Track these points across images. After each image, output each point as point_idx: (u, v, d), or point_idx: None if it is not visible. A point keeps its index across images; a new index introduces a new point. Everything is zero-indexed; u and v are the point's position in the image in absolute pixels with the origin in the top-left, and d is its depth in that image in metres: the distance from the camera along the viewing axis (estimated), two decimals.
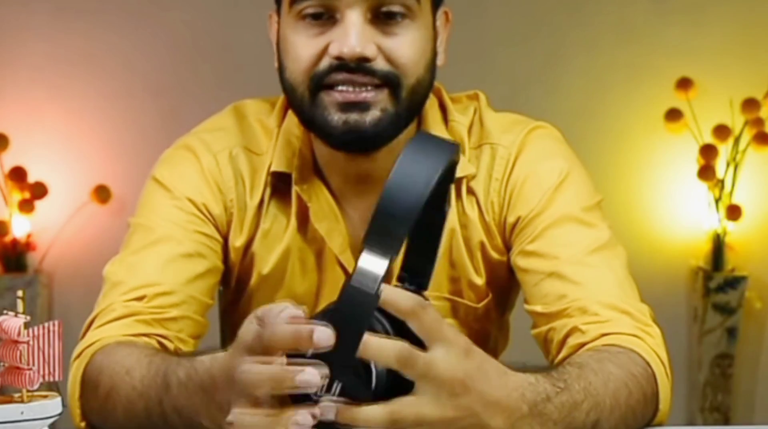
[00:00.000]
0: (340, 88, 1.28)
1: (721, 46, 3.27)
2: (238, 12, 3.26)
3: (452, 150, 0.96)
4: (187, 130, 1.47)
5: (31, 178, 3.24)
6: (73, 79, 3.28)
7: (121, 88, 3.29)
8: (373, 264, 0.90)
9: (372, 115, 1.28)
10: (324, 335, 0.91)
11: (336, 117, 1.29)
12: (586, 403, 1.11)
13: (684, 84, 3.24)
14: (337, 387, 0.93)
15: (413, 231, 0.95)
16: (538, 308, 1.34)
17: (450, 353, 0.97)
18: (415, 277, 1.07)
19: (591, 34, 3.29)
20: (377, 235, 0.91)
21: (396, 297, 0.96)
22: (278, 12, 1.35)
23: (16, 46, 3.27)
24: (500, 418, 1.01)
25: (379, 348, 0.94)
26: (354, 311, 0.90)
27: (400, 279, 1.07)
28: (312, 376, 0.91)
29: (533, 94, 3.24)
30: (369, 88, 1.28)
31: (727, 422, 3.21)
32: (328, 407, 0.93)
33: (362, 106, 1.28)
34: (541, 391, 1.06)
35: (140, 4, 3.29)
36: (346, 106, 1.28)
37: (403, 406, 0.96)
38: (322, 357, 0.92)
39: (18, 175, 3.22)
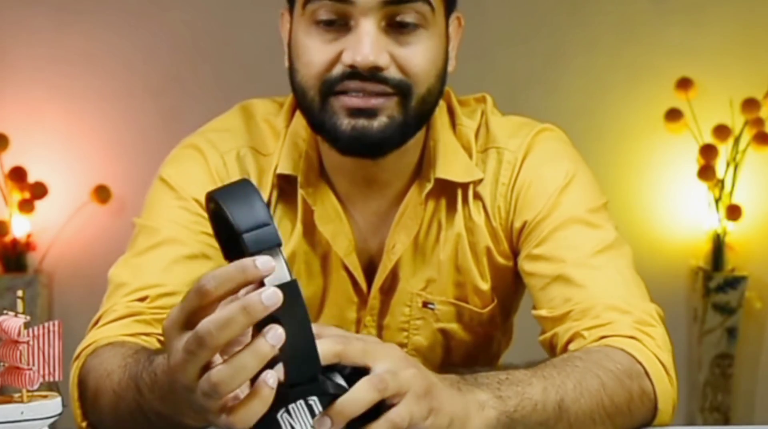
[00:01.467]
0: (350, 94, 1.27)
1: (721, 46, 3.27)
2: (238, 12, 3.26)
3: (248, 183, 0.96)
4: (187, 130, 1.47)
5: (31, 178, 3.24)
6: (73, 79, 3.28)
7: (121, 88, 3.29)
8: (268, 261, 0.89)
9: (379, 122, 1.27)
10: (266, 260, 0.88)
11: (345, 122, 1.28)
12: (537, 380, 1.12)
13: (684, 84, 3.24)
14: (317, 408, 0.93)
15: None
16: (544, 312, 1.34)
17: (393, 361, 0.99)
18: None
19: (591, 34, 3.29)
20: (254, 243, 0.90)
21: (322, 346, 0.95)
22: (290, 11, 1.34)
23: (16, 46, 3.27)
24: (447, 381, 1.05)
25: (355, 399, 0.94)
26: (288, 304, 0.89)
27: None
28: (274, 292, 0.88)
29: (533, 94, 3.24)
30: (379, 95, 1.27)
31: (727, 422, 3.21)
32: (323, 420, 0.93)
33: (370, 113, 1.27)
34: (470, 374, 1.10)
35: (140, 4, 3.29)
36: (355, 112, 1.27)
37: (396, 414, 0.97)
38: (299, 387, 0.91)
39: (18, 175, 3.22)
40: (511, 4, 3.29)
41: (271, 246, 0.90)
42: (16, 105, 3.27)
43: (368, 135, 1.28)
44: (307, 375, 0.92)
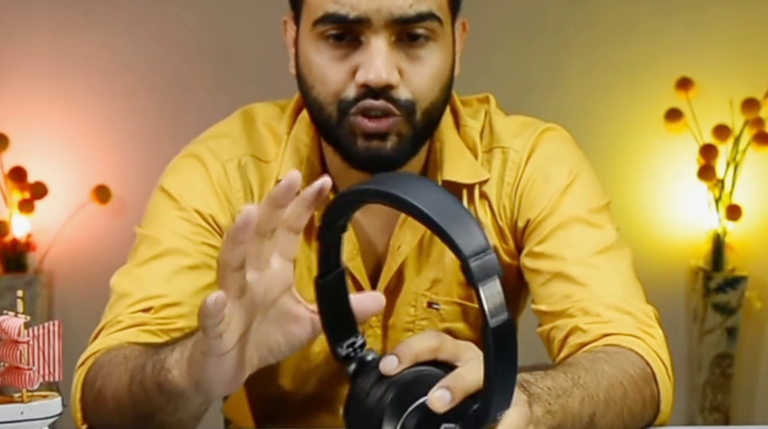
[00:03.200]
0: (364, 116, 1.28)
1: (721, 46, 3.27)
2: (238, 12, 3.26)
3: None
4: (187, 130, 1.47)
5: (31, 178, 3.24)
6: (73, 79, 3.28)
7: (121, 88, 3.29)
8: (494, 294, 0.86)
9: (392, 141, 1.29)
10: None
11: (359, 142, 1.29)
12: (577, 391, 1.11)
13: (684, 84, 3.24)
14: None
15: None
16: (543, 307, 1.35)
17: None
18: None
19: (591, 34, 3.29)
20: (479, 271, 0.87)
21: (415, 343, 0.93)
22: (295, 20, 1.34)
23: (16, 46, 3.27)
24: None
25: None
26: (506, 345, 0.87)
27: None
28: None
29: (533, 94, 3.24)
30: (388, 115, 1.28)
31: (727, 422, 3.21)
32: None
33: (382, 135, 1.28)
34: (519, 378, 1.05)
35: (140, 4, 3.29)
36: (369, 135, 1.28)
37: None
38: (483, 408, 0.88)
39: (18, 175, 3.22)
40: (511, 4, 3.29)
41: (494, 273, 0.87)
42: (16, 105, 3.27)
43: (383, 155, 1.29)
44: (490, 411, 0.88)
